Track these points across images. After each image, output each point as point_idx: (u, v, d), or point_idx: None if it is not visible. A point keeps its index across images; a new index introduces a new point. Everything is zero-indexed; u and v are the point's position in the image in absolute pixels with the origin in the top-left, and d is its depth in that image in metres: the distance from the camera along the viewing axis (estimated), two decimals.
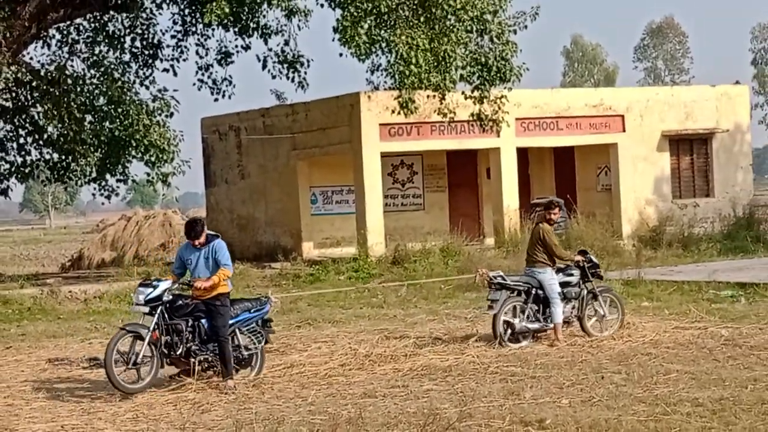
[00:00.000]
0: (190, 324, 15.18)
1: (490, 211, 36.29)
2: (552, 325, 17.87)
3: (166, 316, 15.09)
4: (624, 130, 36.93)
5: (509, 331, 17.65)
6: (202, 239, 15.31)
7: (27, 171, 32.63)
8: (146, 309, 15.06)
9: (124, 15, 31.15)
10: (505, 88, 29.33)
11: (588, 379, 14.35)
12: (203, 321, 15.24)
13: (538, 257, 18.02)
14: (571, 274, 18.26)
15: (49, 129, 31.94)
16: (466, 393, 13.68)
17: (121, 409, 13.97)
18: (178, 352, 15.09)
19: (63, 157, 32.07)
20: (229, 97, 31.62)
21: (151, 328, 14.92)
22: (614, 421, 11.72)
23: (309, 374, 15.69)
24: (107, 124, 30.84)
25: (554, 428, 11.55)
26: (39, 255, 63.44)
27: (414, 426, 11.45)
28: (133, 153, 30.94)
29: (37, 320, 24.43)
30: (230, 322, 15.32)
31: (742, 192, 37.88)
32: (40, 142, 32.22)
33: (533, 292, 17.85)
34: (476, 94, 29.18)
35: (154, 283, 15.30)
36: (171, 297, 15.17)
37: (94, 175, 32.02)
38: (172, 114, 31.26)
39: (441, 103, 29.14)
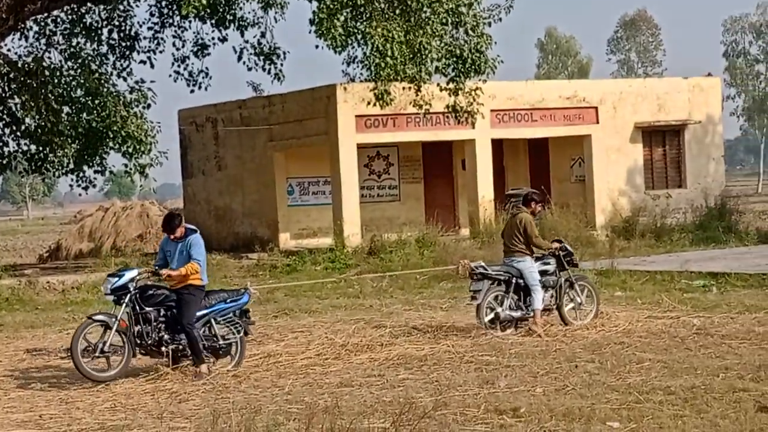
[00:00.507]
0: (161, 313, 15.17)
1: (465, 202, 36.35)
2: (532, 314, 17.93)
3: (137, 305, 15.07)
4: (597, 122, 37.01)
5: (494, 319, 17.68)
6: (178, 233, 15.34)
7: (4, 162, 32.51)
8: (112, 298, 15.09)
9: (102, 7, 31.06)
10: (480, 80, 29.37)
11: (562, 368, 14.38)
12: (175, 311, 15.22)
13: (517, 247, 18.06)
14: (548, 263, 18.32)
15: (27, 120, 31.84)
16: (442, 382, 13.69)
17: (99, 399, 13.94)
18: (149, 342, 15.06)
19: (40, 148, 31.98)
20: (206, 88, 31.61)
21: (119, 317, 14.89)
22: (588, 409, 11.76)
23: (286, 364, 15.68)
24: (84, 115, 30.78)
25: (528, 416, 11.57)
26: (17, 246, 63.20)
27: (390, 415, 11.46)
28: (111, 144, 30.89)
29: (15, 311, 24.34)
30: (204, 312, 15.29)
31: (714, 183, 38.02)
32: (18, 134, 32.11)
33: (513, 281, 17.88)
34: (451, 86, 29.21)
35: (120, 272, 15.33)
36: (139, 286, 15.13)
37: (71, 166, 31.95)
38: (149, 105, 31.24)
39: (416, 95, 29.17)
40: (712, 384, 12.77)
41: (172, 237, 15.37)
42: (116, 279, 15.13)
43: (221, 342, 15.45)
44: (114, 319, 14.89)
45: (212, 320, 15.44)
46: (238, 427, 10.21)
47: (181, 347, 15.17)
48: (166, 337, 15.12)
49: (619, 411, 11.69)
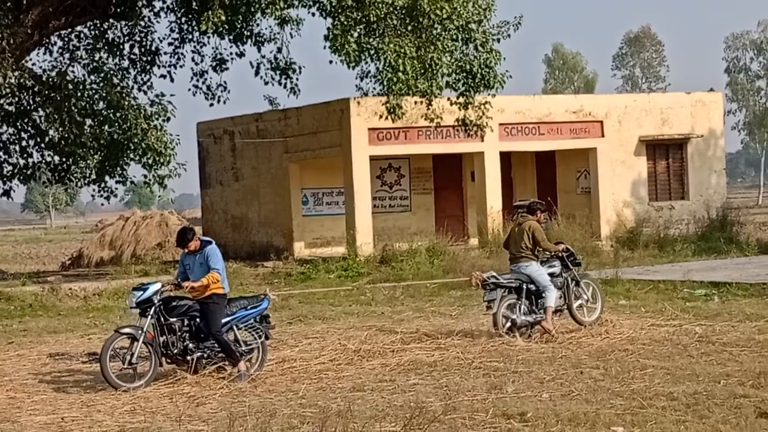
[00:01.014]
0: (185, 323, 15.25)
1: (475, 213, 36.34)
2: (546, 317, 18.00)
3: (162, 316, 15.13)
4: (603, 135, 36.99)
5: (510, 324, 17.71)
6: (192, 246, 15.40)
7: (29, 173, 32.57)
8: (137, 311, 15.19)
9: (123, 23, 31.11)
10: (489, 94, 29.37)
11: (567, 374, 14.37)
12: (199, 320, 15.27)
13: (523, 253, 18.14)
14: (554, 266, 18.40)
15: (51, 132, 31.89)
16: (451, 387, 13.69)
17: (119, 402, 13.96)
18: (174, 351, 15.14)
19: (63, 159, 32.05)
20: (224, 102, 31.60)
21: (145, 329, 14.95)
22: (592, 414, 11.74)
23: (300, 369, 15.69)
24: (106, 127, 30.82)
25: (535, 421, 11.56)
26: (40, 254, 63.28)
27: (400, 419, 11.46)
28: (131, 156, 30.93)
29: (38, 316, 24.39)
30: (226, 319, 15.35)
31: (716, 195, 37.97)
32: (42, 145, 32.17)
33: (524, 287, 17.93)
34: (461, 100, 29.21)
35: (144, 286, 15.40)
36: (162, 298, 15.18)
37: (93, 176, 32.01)
38: (168, 118, 31.24)
39: (428, 109, 29.17)
40: (714, 390, 12.75)
41: (187, 250, 15.44)
42: (141, 293, 15.21)
43: (243, 347, 15.50)
44: (140, 331, 14.97)
45: (234, 326, 15.49)
46: (254, 430, 10.23)
47: (205, 355, 15.23)
48: (191, 345, 15.19)
49: (623, 416, 11.67)
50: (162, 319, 15.16)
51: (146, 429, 12.14)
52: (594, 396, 12.79)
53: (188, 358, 15.18)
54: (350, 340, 17.75)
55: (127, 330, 15.19)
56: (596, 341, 17.05)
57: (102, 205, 35.22)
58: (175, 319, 15.18)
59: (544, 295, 17.96)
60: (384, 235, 33.74)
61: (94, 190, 32.51)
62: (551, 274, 18.23)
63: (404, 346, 17.19)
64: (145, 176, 31.34)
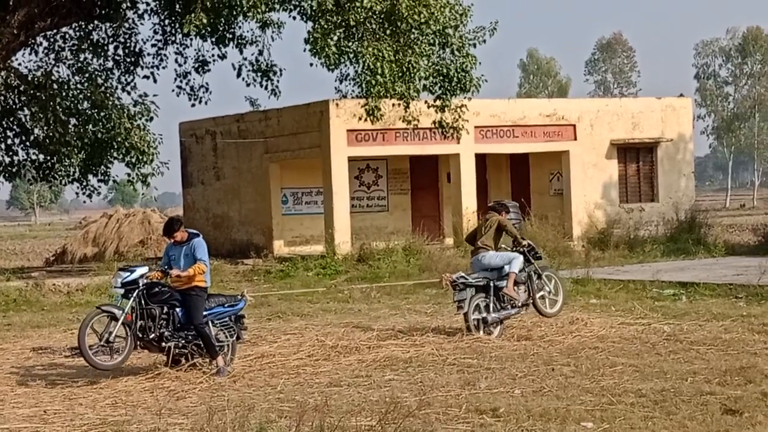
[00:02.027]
0: (164, 311, 15.13)
1: (450, 213, 36.35)
2: (514, 311, 18.10)
3: (143, 301, 15.04)
4: (575, 139, 37.07)
5: (482, 324, 17.73)
6: (179, 237, 15.31)
7: (14, 170, 32.46)
8: (122, 291, 15.03)
9: (108, 24, 31.02)
10: (465, 97, 29.39)
11: (539, 370, 14.38)
12: (178, 310, 15.19)
13: (486, 243, 18.31)
14: None
15: (36, 131, 31.80)
16: (426, 383, 13.68)
17: (100, 396, 13.91)
18: (150, 336, 14.99)
19: (48, 157, 31.94)
20: (206, 103, 31.56)
21: (126, 310, 14.85)
22: (563, 410, 11.76)
23: (278, 364, 15.65)
24: (90, 127, 30.74)
25: (507, 416, 11.57)
26: (24, 250, 63.02)
27: (376, 413, 11.45)
28: (115, 154, 30.87)
29: (22, 311, 24.28)
30: (204, 313, 15.28)
31: (685, 197, 38.10)
32: (27, 143, 32.06)
33: (492, 285, 17.95)
34: (438, 103, 29.22)
35: (131, 268, 15.31)
36: (147, 283, 15.08)
37: (77, 175, 31.93)
38: (151, 118, 31.20)
39: (405, 111, 29.17)
40: (681, 387, 12.78)
41: (172, 241, 15.36)
42: (127, 273, 15.11)
43: (216, 343, 15.41)
44: (121, 312, 14.85)
45: (210, 322, 15.41)
46: (233, 423, 10.19)
47: (179, 345, 15.13)
48: (166, 333, 15.07)
49: (592, 412, 11.69)
50: (143, 303, 15.02)
51: (127, 422, 12.09)
52: (565, 392, 12.80)
53: (163, 345, 15.07)
54: (328, 336, 17.72)
55: (108, 308, 15.07)
56: (567, 339, 17.07)
57: (85, 202, 35.12)
58: (155, 305, 15.07)
59: (511, 263, 18.07)
60: (362, 234, 33.72)
61: (78, 187, 32.45)
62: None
63: (380, 342, 17.18)
64: (129, 174, 31.28)
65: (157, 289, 15.20)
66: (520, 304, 18.23)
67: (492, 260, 18.25)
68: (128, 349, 14.92)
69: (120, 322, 14.81)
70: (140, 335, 14.99)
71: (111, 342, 14.80)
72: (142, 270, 15.19)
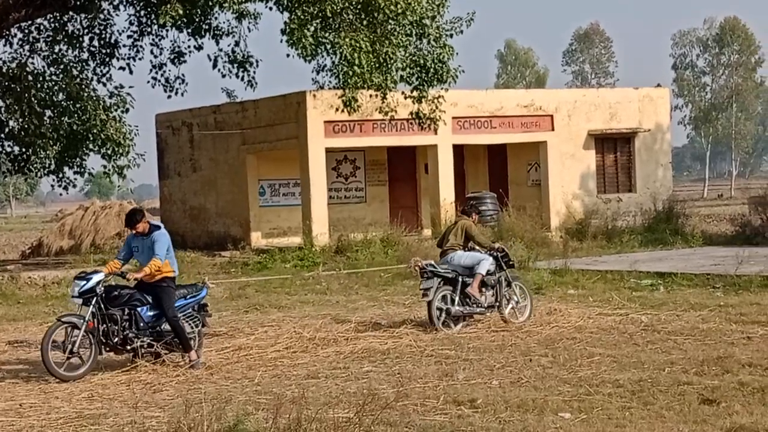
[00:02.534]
0: (126, 313, 15.00)
1: (428, 204, 36.38)
2: (479, 310, 17.99)
3: (103, 306, 14.91)
4: (553, 129, 37.14)
5: (444, 316, 17.66)
6: (140, 228, 15.21)
7: None
8: (80, 300, 14.91)
9: (83, 15, 30.87)
10: (442, 88, 29.37)
11: (517, 361, 14.40)
12: (139, 309, 15.07)
13: (452, 243, 18.28)
14: (491, 265, 18.32)
15: (11, 123, 31.64)
16: (403, 374, 13.68)
17: (76, 389, 13.86)
18: (115, 340, 14.90)
19: (23, 149, 31.79)
20: (182, 94, 31.47)
21: (87, 318, 14.73)
22: (541, 400, 11.78)
23: (256, 357, 15.64)
24: (66, 118, 30.61)
25: (485, 407, 11.58)
26: (0, 243, 62.77)
27: (354, 405, 11.44)
28: (91, 146, 30.76)
29: None
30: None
31: (662, 188, 38.22)
32: (2, 136, 31.90)
33: (460, 280, 17.88)
34: (415, 94, 29.19)
35: (88, 276, 15.08)
36: (104, 288, 14.91)
37: (53, 167, 31.78)
38: (127, 110, 31.09)
39: (382, 102, 29.12)
40: (659, 378, 12.82)
41: (134, 232, 15.27)
42: (84, 282, 14.90)
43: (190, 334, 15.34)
44: (82, 320, 14.72)
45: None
46: (209, 416, 10.17)
47: (145, 344, 15.05)
48: (131, 335, 14.96)
49: (570, 402, 11.72)
50: (103, 308, 14.91)
51: (103, 415, 12.06)
52: (542, 383, 12.83)
53: (128, 347, 15.00)
54: (305, 328, 17.70)
55: (68, 319, 14.93)
56: (545, 330, 17.11)
57: (61, 195, 35.00)
58: (115, 309, 14.94)
59: (479, 264, 17.96)
60: (339, 225, 33.72)
61: (53, 180, 32.32)
62: (487, 272, 18.13)
63: (358, 334, 17.18)
64: (105, 167, 31.18)
65: (116, 293, 15.05)
66: (485, 306, 18.10)
67: (461, 260, 18.12)
68: (93, 356, 14.77)
69: (82, 330, 14.67)
70: (104, 340, 14.87)
71: (75, 352, 14.66)
72: (98, 277, 14.97)
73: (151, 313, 15.16)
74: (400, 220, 33.38)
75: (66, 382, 14.42)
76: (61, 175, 31.98)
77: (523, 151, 38.03)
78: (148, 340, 15.05)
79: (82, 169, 31.88)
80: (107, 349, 15.06)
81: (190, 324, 15.37)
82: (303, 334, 17.09)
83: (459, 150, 37.11)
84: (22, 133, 31.15)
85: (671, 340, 15.67)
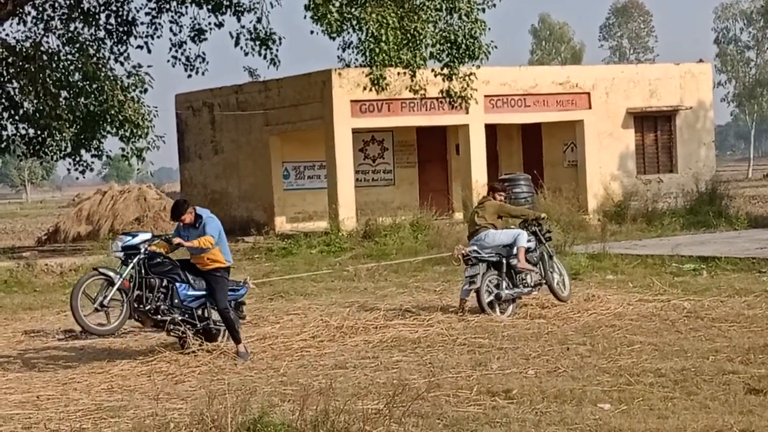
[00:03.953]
0: (164, 283, 15.07)
1: (459, 187, 36.31)
2: (526, 290, 18.17)
3: (143, 270, 14.97)
4: (590, 108, 36.99)
5: (494, 301, 17.75)
6: (187, 219, 15.24)
7: (3, 146, 32.44)
8: (121, 254, 14.93)
9: None
10: (473, 65, 29.31)
11: (553, 350, 14.38)
12: (178, 285, 15.13)
13: (482, 224, 18.34)
14: (530, 240, 18.39)
15: (25, 104, 31.77)
16: (435, 364, 13.69)
17: (95, 380, 13.92)
18: (146, 307, 14.92)
19: (39, 132, 31.91)
20: (203, 73, 31.54)
21: (125, 275, 14.77)
22: (579, 391, 11.75)
23: (281, 346, 15.66)
24: (82, 99, 30.70)
25: (521, 398, 11.57)
26: (15, 229, 63.07)
27: (384, 396, 11.45)
28: (108, 128, 30.83)
29: (13, 293, 24.31)
30: (204, 293, 15.25)
31: (705, 168, 38.03)
32: (16, 118, 32.03)
33: (504, 263, 17.95)
34: (445, 71, 29.14)
35: (134, 233, 15.23)
36: (149, 251, 14.97)
37: (69, 150, 31.88)
38: (146, 90, 31.15)
39: (411, 80, 29.08)
40: (702, 366, 12.77)
41: (182, 223, 15.30)
42: (129, 238, 15.04)
43: (214, 326, 15.41)
44: (119, 277, 14.78)
45: (209, 304, 15.39)
46: (234, 408, 10.19)
47: (176, 321, 15.08)
48: (163, 307, 15.01)
49: (610, 393, 11.69)
50: (142, 272, 14.96)
51: (123, 407, 12.10)
52: (580, 373, 12.80)
53: (158, 318, 15.01)
54: (332, 316, 17.73)
55: (105, 271, 15.01)
56: (583, 317, 17.07)
57: (78, 179, 35.19)
58: (155, 276, 15.00)
59: (517, 239, 18.09)
60: (367, 209, 33.67)
61: (70, 163, 32.44)
62: (527, 249, 18.22)
63: (387, 322, 17.18)
64: (123, 149, 31.26)
65: (158, 260, 15.10)
66: (533, 284, 18.22)
67: (495, 237, 18.18)
68: (123, 316, 14.85)
69: (116, 287, 14.72)
70: (136, 305, 14.93)
71: (105, 306, 14.73)
72: (145, 236, 15.14)
73: (188, 293, 15.23)
74: (430, 203, 33.30)
75: (91, 334, 14.47)
76: (77, 158, 32.09)
77: (558, 130, 37.89)
78: (180, 318, 15.09)
79: (100, 152, 31.99)
80: (136, 316, 15.07)
81: None
82: (330, 322, 17.11)
83: (491, 130, 37.02)
84: (37, 115, 31.27)
85: (715, 327, 15.61)
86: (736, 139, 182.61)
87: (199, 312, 15.34)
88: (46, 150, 32.23)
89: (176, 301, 15.10)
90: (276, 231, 34.55)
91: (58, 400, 12.85)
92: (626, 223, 32.36)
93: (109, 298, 14.70)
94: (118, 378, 14.01)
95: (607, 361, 13.42)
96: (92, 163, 32.67)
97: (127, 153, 31.17)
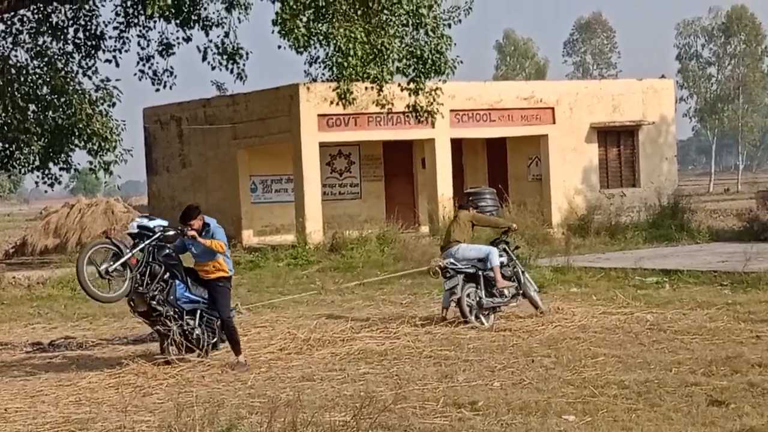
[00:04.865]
0: (165, 276, 15.15)
1: (425, 200, 36.37)
2: (505, 301, 18.42)
3: (151, 255, 15.06)
4: (554, 122, 37.13)
5: (477, 310, 17.93)
6: (196, 225, 15.36)
7: None
8: (135, 230, 15.07)
9: (68, 6, 30.79)
10: (439, 80, 29.32)
11: (519, 362, 14.41)
12: (177, 282, 15.23)
13: (456, 236, 18.51)
14: (501, 255, 18.57)
15: None
16: (402, 376, 13.69)
17: (63, 393, 13.85)
18: (142, 290, 14.98)
19: (6, 145, 31.72)
20: (170, 87, 31.34)
21: (134, 252, 14.86)
22: (544, 402, 11.78)
23: (249, 358, 15.62)
24: (50, 113, 30.54)
25: (486, 410, 11.58)
26: None
27: (351, 408, 11.44)
28: (76, 142, 30.68)
29: None
30: (196, 299, 15.33)
31: (667, 182, 38.20)
32: None
33: (481, 275, 18.14)
34: (412, 86, 29.14)
35: (151, 216, 15.50)
36: (160, 239, 15.08)
37: (37, 163, 31.70)
38: (114, 104, 31.02)
39: (378, 95, 29.08)
40: (665, 378, 12.83)
41: (189, 226, 15.37)
42: (146, 219, 15.26)
43: (195, 337, 15.40)
44: (128, 252, 14.83)
45: (201, 312, 15.40)
46: (202, 420, 10.17)
47: (165, 315, 15.11)
48: (159, 297, 15.08)
49: (574, 404, 11.72)
50: (150, 257, 15.05)
51: (92, 420, 12.05)
52: (545, 384, 12.83)
53: (152, 304, 15.03)
54: (300, 329, 17.72)
55: (117, 243, 15.07)
56: (548, 329, 17.11)
57: (46, 192, 34.93)
58: (159, 264, 15.09)
59: (488, 258, 18.29)
60: (334, 222, 33.68)
61: (38, 176, 32.24)
62: (501, 264, 18.42)
63: (354, 334, 17.18)
64: (91, 162, 31.13)
65: (167, 251, 15.26)
66: (509, 297, 18.37)
67: (466, 252, 18.37)
68: (124, 289, 14.88)
69: (124, 260, 14.76)
70: (136, 285, 14.96)
71: (109, 275, 14.76)
72: (161, 221, 15.32)
73: (185, 293, 15.35)
74: (397, 216, 33.33)
75: (94, 300, 14.88)
76: (46, 172, 31.92)
77: (523, 144, 38.02)
78: (172, 314, 15.14)
79: (68, 165, 31.83)
80: (132, 297, 15.06)
81: (207, 333, 15.49)
82: (297, 334, 17.09)
83: (457, 144, 37.10)
84: (5, 128, 31.09)
85: (678, 340, 15.68)
86: (697, 153, 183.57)
87: (189, 319, 15.32)
88: (14, 163, 32.04)
89: (171, 297, 15.22)
90: (243, 244, 34.49)
91: (26, 412, 12.78)
92: (590, 237, 32.49)
93: (114, 267, 14.72)
94: (86, 390, 13.94)
95: (572, 373, 13.46)
96: (60, 176, 32.50)
97: (95, 166, 31.03)
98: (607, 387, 12.53)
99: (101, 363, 15.69)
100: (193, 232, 15.24)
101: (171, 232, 15.30)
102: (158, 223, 15.26)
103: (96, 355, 16.66)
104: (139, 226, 15.10)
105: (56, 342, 18.05)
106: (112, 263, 14.75)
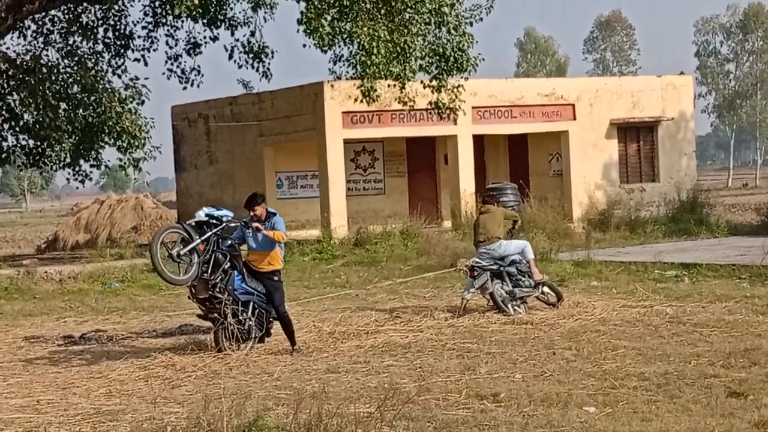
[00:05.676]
0: (226, 266, 15.33)
1: (448, 196, 36.32)
2: (530, 290, 18.49)
3: (216, 244, 15.27)
4: (575, 119, 37.03)
5: (510, 300, 18.10)
6: (259, 211, 15.54)
7: (4, 156, 32.39)
8: (204, 218, 15.27)
9: (97, 6, 30.94)
10: (461, 77, 29.33)
11: (540, 355, 14.38)
12: (235, 273, 15.42)
13: (497, 233, 18.62)
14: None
15: (25, 116, 31.74)
16: (425, 368, 13.68)
17: (94, 385, 13.89)
18: (205, 276, 15.16)
19: (38, 143, 31.89)
20: (198, 86, 31.50)
21: (202, 239, 15.06)
22: (565, 394, 11.75)
23: (275, 351, 15.65)
24: (81, 111, 30.70)
25: (508, 401, 11.57)
26: (15, 237, 62.98)
27: (375, 400, 11.44)
28: (106, 139, 30.84)
29: (13, 300, 24.25)
30: (252, 290, 15.54)
31: (686, 177, 38.07)
32: (17, 129, 31.99)
33: (504, 271, 18.28)
34: (434, 83, 29.15)
35: (219, 207, 15.80)
36: (225, 230, 15.28)
37: (68, 160, 31.88)
38: (143, 102, 31.17)
39: (401, 92, 29.09)
40: (685, 370, 12.78)
41: (252, 213, 15.53)
42: (214, 210, 15.47)
43: (249, 328, 15.60)
44: (198, 239, 15.04)
45: (254, 305, 15.58)
46: (229, 411, 10.17)
47: (221, 302, 15.25)
48: (219, 286, 15.26)
49: (595, 396, 11.69)
50: (214, 245, 15.25)
51: (122, 411, 12.08)
52: (566, 377, 12.80)
53: (213, 291, 15.22)
54: (325, 322, 17.74)
55: (189, 228, 15.22)
56: (569, 322, 17.06)
57: (77, 188, 35.20)
58: (222, 254, 15.27)
59: (524, 252, 18.51)
60: (358, 217, 33.68)
61: (69, 173, 32.44)
62: (514, 261, 18.52)
63: (378, 327, 17.18)
64: (120, 159, 31.26)
65: (230, 242, 15.46)
66: (533, 286, 18.49)
67: (508, 248, 18.59)
68: (193, 273, 15.05)
69: (193, 246, 14.97)
70: (201, 271, 15.17)
71: (180, 258, 14.96)
72: (228, 213, 15.55)
73: (241, 284, 15.53)
74: (420, 211, 33.32)
75: (165, 281, 15.21)
76: (76, 169, 32.08)
77: (544, 140, 37.93)
78: (229, 302, 15.31)
79: (98, 162, 32.00)
80: (194, 284, 15.21)
81: (258, 325, 15.69)
82: (322, 328, 17.11)
83: (479, 140, 37.05)
84: (37, 126, 31.25)
85: (697, 332, 15.62)
86: (716, 149, 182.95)
87: (242, 308, 15.48)
88: (46, 160, 32.22)
89: (230, 287, 15.38)
90: None
91: (58, 404, 12.82)
92: (610, 231, 32.37)
93: (185, 251, 14.93)
94: (117, 382, 13.98)
95: (592, 366, 13.42)
96: (91, 173, 32.72)
97: (125, 163, 31.17)
98: (627, 379, 12.49)
99: (131, 355, 15.73)
100: (257, 224, 15.39)
101: (233, 224, 15.43)
102: (225, 213, 15.50)
103: (126, 348, 16.70)
104: (207, 215, 15.32)
105: (87, 335, 18.09)
106: (182, 247, 14.96)
